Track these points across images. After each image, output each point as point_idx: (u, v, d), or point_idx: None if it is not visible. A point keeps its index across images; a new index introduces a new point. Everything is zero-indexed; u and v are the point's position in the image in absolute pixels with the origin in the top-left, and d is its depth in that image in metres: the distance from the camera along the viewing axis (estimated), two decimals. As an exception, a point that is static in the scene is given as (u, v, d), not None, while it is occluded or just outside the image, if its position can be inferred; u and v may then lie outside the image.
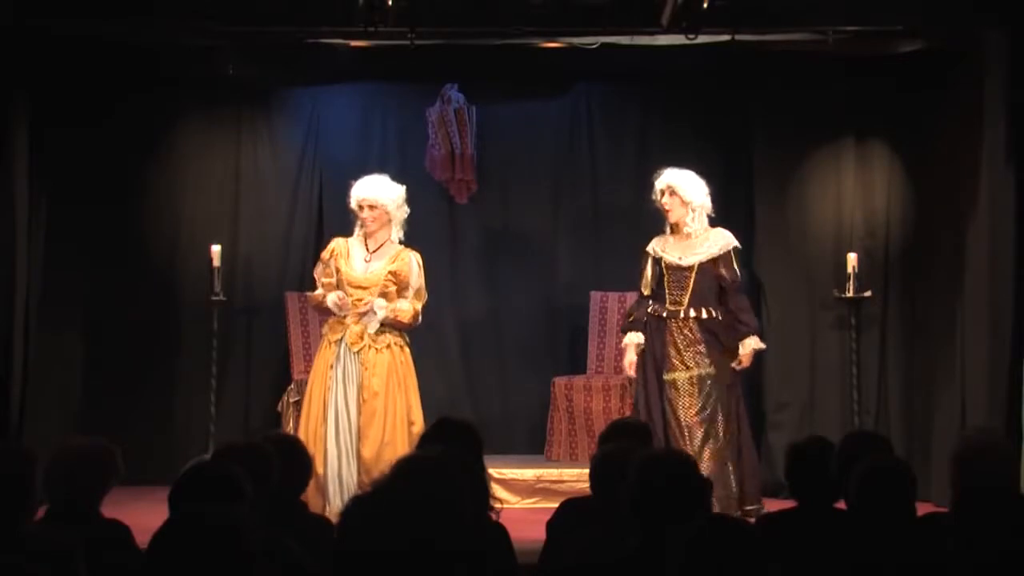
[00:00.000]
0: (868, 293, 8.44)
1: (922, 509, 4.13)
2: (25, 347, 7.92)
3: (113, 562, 3.77)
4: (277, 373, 8.84)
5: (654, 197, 7.47)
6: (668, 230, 7.46)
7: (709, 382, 7.24)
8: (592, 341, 8.85)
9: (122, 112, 8.77)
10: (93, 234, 8.72)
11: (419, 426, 6.99)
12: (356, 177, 7.41)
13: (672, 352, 7.27)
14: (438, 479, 3.11)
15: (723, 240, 7.43)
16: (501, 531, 4.27)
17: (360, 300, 7.13)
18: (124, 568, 3.77)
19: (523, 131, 9.08)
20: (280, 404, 8.38)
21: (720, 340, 7.33)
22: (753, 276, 8.81)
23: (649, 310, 7.40)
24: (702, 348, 7.25)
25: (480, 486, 4.32)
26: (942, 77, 8.09)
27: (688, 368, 7.24)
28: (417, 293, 7.23)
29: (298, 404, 8.16)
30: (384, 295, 7.16)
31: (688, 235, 7.37)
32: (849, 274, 8.40)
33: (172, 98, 8.90)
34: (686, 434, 7.17)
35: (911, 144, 8.54)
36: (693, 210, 7.35)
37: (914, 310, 8.49)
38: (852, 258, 8.42)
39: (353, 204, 7.28)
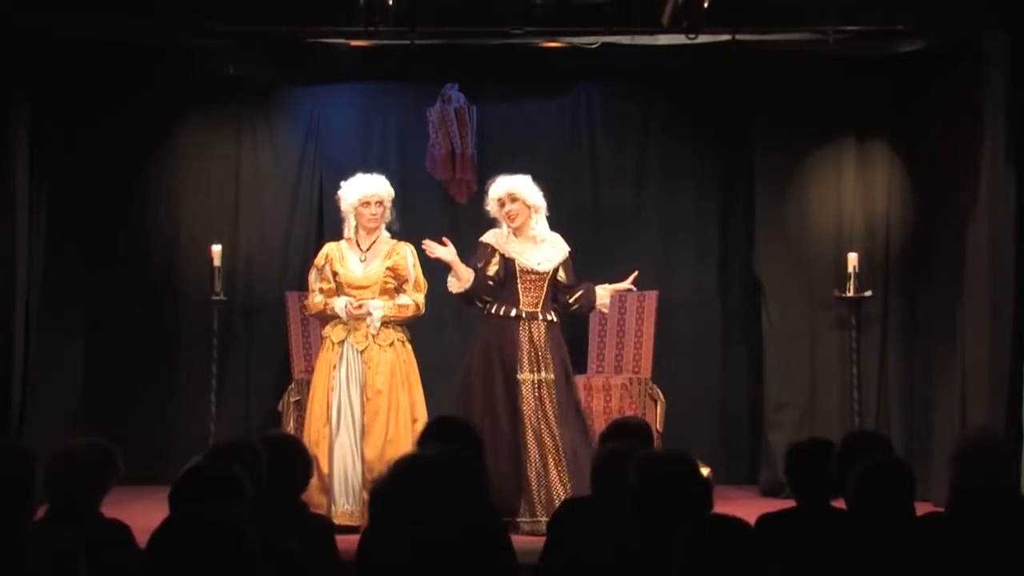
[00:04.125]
0: (868, 293, 8.44)
1: (922, 509, 4.13)
2: (25, 347, 7.92)
3: (113, 562, 3.77)
4: (277, 373, 8.84)
5: (488, 207, 7.41)
6: (505, 229, 7.38)
7: (554, 385, 7.21)
8: (592, 341, 8.85)
9: (122, 112, 8.77)
10: (93, 234, 8.73)
11: (423, 423, 7.00)
12: (356, 177, 7.46)
13: (524, 353, 7.21)
14: (439, 478, 3.11)
15: (563, 246, 7.42)
16: (501, 530, 4.26)
17: (360, 302, 7.17)
18: (124, 568, 3.77)
19: (523, 131, 9.07)
20: (280, 404, 8.39)
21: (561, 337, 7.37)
22: (753, 276, 8.83)
23: (494, 310, 7.32)
24: (549, 354, 7.25)
25: (480, 485, 4.32)
26: (942, 77, 8.09)
27: (539, 371, 7.21)
28: (416, 284, 7.30)
29: (298, 404, 8.18)
30: (385, 292, 7.20)
31: (533, 238, 7.37)
32: (849, 274, 8.40)
33: (172, 98, 8.90)
34: (540, 436, 7.12)
35: (911, 144, 8.54)
36: (537, 212, 7.36)
37: (914, 310, 8.48)
38: (852, 258, 8.42)
39: (354, 202, 7.28)
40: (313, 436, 7.08)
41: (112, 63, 8.36)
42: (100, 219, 8.75)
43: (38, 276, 8.13)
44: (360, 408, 7.11)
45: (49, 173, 8.20)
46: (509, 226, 7.35)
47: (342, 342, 7.19)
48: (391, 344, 7.20)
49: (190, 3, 7.21)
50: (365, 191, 7.28)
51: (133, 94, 8.76)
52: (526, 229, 7.36)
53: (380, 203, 7.29)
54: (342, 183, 7.45)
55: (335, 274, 7.27)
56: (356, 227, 7.34)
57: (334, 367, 7.15)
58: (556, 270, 7.38)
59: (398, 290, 7.28)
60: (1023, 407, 7.19)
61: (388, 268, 7.24)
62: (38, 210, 8.08)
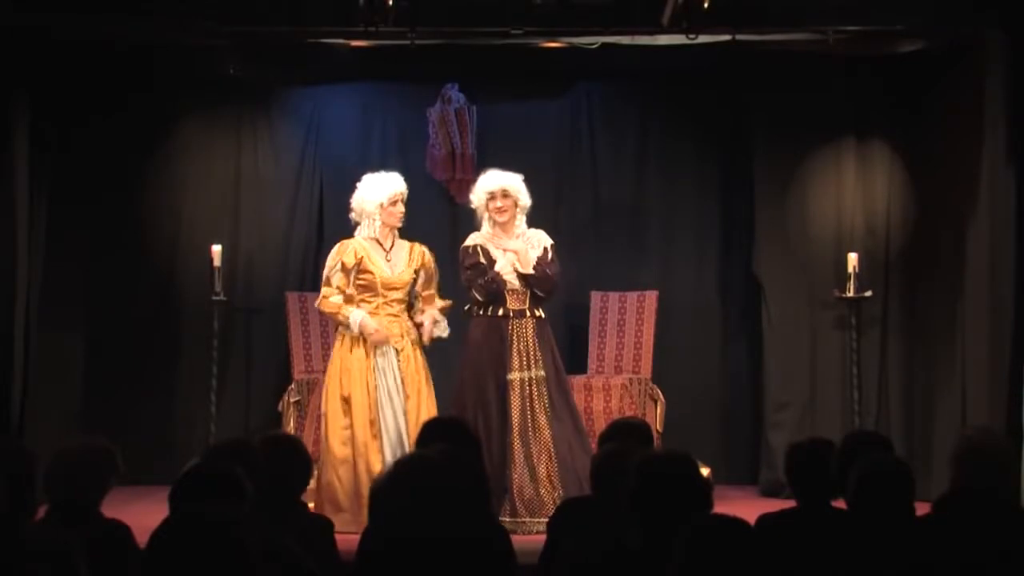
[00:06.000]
0: (868, 293, 8.44)
1: (922, 509, 4.12)
2: (25, 347, 7.92)
3: (113, 562, 3.77)
4: (277, 373, 8.84)
5: (473, 197, 7.41)
6: (490, 228, 7.35)
7: (544, 383, 7.21)
8: (592, 341, 8.85)
9: (122, 112, 8.78)
10: (93, 234, 8.73)
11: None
12: (356, 177, 7.41)
13: (513, 352, 7.21)
14: (439, 478, 3.11)
15: (541, 240, 7.40)
16: (501, 531, 4.26)
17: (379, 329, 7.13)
18: (124, 568, 3.78)
19: (523, 131, 9.08)
20: (280, 404, 8.39)
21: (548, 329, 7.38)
22: (753, 276, 8.83)
23: (481, 311, 7.32)
24: (539, 351, 7.25)
25: (480, 486, 4.32)
26: (942, 77, 8.09)
27: (529, 368, 7.21)
28: (438, 284, 7.38)
29: (298, 404, 8.17)
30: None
31: (517, 237, 7.36)
32: (849, 274, 8.40)
33: (172, 98, 8.91)
34: (527, 435, 7.11)
35: (911, 144, 8.54)
36: (522, 213, 7.38)
37: (914, 310, 8.48)
38: (852, 258, 8.42)
39: (383, 201, 7.19)
40: (359, 441, 6.98)
41: (112, 63, 8.37)
42: (100, 219, 8.75)
43: (38, 276, 8.13)
44: (403, 408, 7.10)
45: (49, 173, 8.20)
46: (496, 221, 7.34)
47: (384, 351, 7.14)
48: (419, 346, 7.26)
49: (190, 3, 7.21)
50: (393, 189, 7.23)
51: (133, 94, 8.76)
52: (510, 228, 7.35)
53: (404, 200, 7.28)
54: (358, 184, 7.32)
55: (366, 273, 7.17)
56: (379, 226, 7.27)
57: (372, 370, 7.10)
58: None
59: (423, 288, 7.31)
60: (1023, 407, 7.19)
61: (415, 270, 7.24)
62: (38, 210, 8.09)
